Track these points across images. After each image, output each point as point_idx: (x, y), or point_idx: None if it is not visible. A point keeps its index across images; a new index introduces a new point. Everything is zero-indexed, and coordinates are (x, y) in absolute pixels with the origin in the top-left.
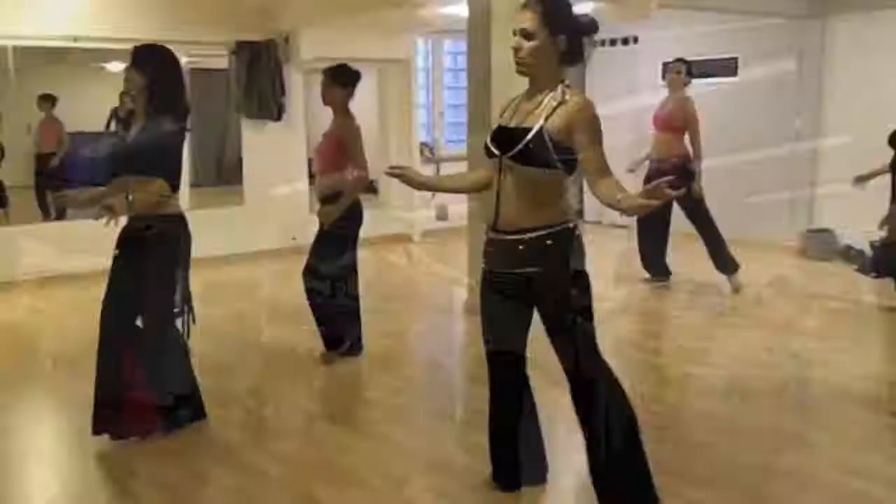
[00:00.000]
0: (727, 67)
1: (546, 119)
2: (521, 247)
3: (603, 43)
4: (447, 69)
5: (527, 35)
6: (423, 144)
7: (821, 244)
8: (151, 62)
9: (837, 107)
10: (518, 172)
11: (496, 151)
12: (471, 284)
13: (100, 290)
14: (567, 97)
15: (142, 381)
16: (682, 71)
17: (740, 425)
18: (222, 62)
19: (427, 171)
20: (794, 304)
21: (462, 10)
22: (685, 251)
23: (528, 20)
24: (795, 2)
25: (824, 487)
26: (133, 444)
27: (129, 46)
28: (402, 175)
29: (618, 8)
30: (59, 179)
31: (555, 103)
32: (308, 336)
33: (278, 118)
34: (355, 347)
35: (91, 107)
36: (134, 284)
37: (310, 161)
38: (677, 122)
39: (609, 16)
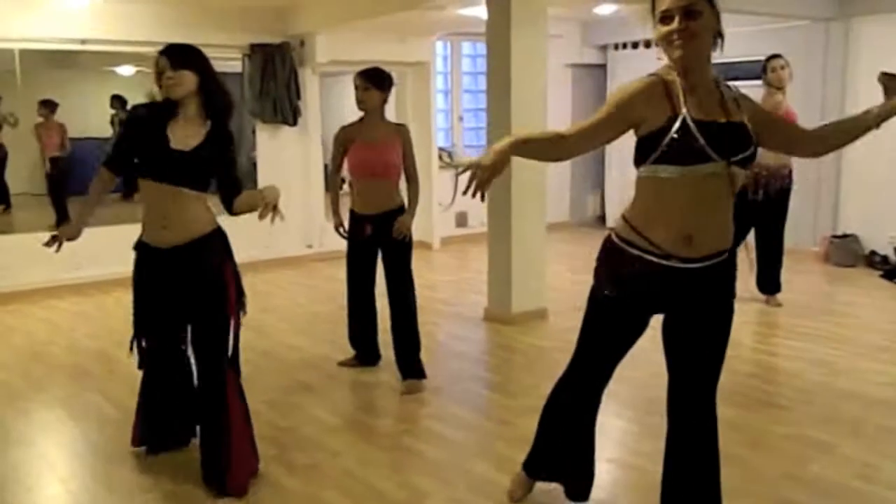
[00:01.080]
0: (752, 70)
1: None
2: (707, 274)
3: (625, 45)
4: (466, 72)
5: (692, 12)
6: (442, 150)
7: (845, 250)
8: (201, 60)
9: (862, 110)
10: (723, 180)
11: (715, 155)
12: (490, 292)
13: (109, 300)
14: (733, 90)
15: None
16: (786, 65)
17: (767, 435)
18: (235, 65)
19: (445, 177)
20: (819, 312)
21: (481, 12)
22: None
23: None
24: (821, 4)
25: (850, 497)
26: (146, 456)
27: (139, 49)
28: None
29: (639, 10)
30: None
31: (733, 96)
32: (325, 345)
33: (293, 123)
34: (373, 357)
35: (101, 112)
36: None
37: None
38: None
39: (632, 18)
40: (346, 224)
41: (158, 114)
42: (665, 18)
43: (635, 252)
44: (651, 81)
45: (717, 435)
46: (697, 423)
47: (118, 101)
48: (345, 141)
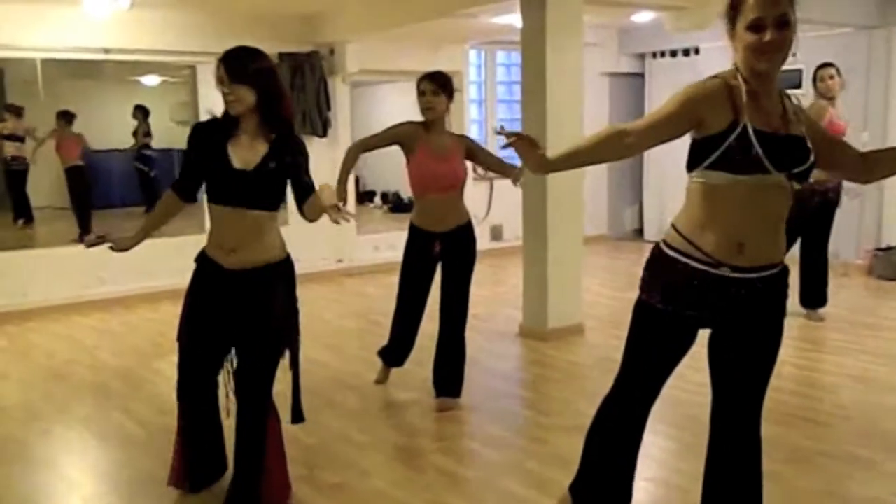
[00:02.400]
0: (791, 80)
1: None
2: (759, 285)
3: (663, 54)
4: (500, 82)
5: (785, 22)
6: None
7: (888, 263)
8: (261, 73)
9: None
10: (779, 193)
11: (771, 167)
12: (525, 307)
13: (133, 316)
14: (794, 101)
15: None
16: (836, 75)
17: (806, 451)
18: None
19: (479, 189)
20: (861, 326)
21: (516, 20)
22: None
23: (782, 2)
24: (863, 12)
25: None
26: (186, 494)
27: (164, 59)
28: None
29: (677, 17)
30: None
31: (794, 107)
32: (354, 362)
33: (323, 134)
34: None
35: (125, 123)
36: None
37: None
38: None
39: (668, 26)
40: (406, 239)
41: (219, 130)
42: (756, 27)
43: (684, 260)
44: (716, 84)
45: (761, 455)
46: (741, 441)
47: (140, 111)
48: (403, 138)
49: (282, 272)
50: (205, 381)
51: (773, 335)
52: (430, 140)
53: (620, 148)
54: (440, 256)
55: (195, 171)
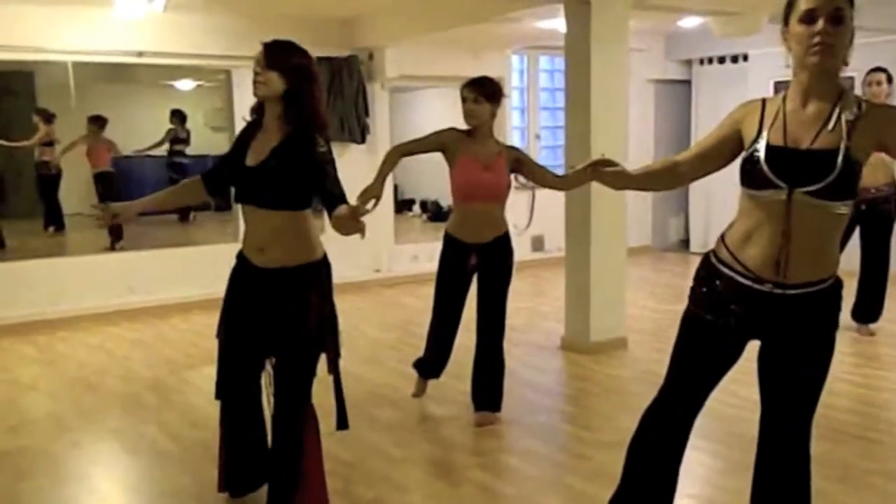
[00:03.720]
0: None
1: (849, 137)
2: (805, 301)
3: (710, 60)
4: (543, 88)
5: (839, 17)
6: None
7: None
8: (294, 63)
9: None
10: (809, 210)
11: (781, 183)
12: (567, 320)
13: (165, 326)
14: (863, 104)
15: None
16: (884, 81)
17: (855, 469)
18: None
19: (521, 199)
20: None
21: (559, 25)
22: None
23: (843, 0)
24: None
25: None
26: (228, 500)
27: (199, 63)
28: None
29: (726, 23)
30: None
31: (852, 116)
32: (391, 375)
33: (361, 141)
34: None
35: (159, 128)
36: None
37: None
38: None
39: (716, 31)
40: (442, 248)
41: (253, 125)
42: (809, 19)
43: (729, 273)
44: (754, 102)
45: (810, 473)
46: (789, 458)
47: (177, 116)
48: (448, 144)
49: (313, 274)
50: (244, 381)
51: (822, 350)
52: (473, 148)
53: (673, 178)
54: (476, 268)
55: (224, 166)
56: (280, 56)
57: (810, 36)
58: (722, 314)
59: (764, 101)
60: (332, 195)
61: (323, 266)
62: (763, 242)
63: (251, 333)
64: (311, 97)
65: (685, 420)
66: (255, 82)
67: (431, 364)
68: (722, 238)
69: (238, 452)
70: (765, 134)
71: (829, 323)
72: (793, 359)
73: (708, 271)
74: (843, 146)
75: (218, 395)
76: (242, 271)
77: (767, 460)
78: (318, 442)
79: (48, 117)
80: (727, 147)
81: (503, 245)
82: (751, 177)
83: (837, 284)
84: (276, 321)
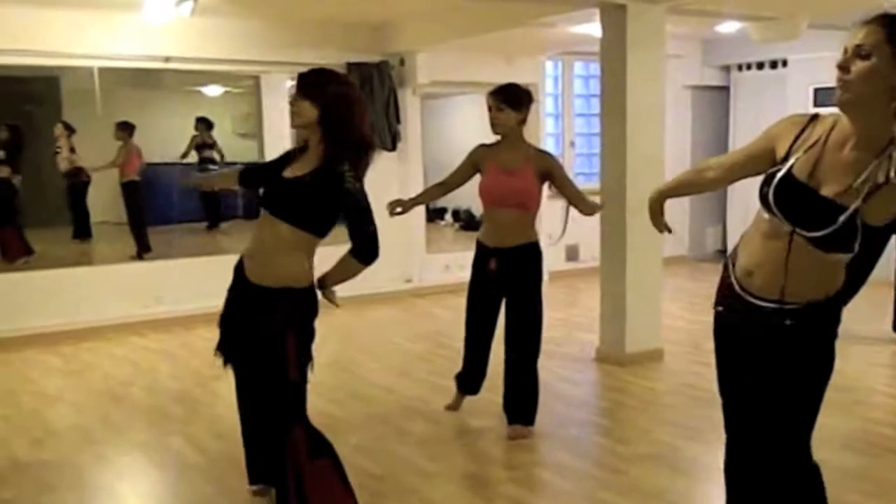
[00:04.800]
0: None
1: (866, 199)
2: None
3: (749, 66)
4: (578, 94)
5: (862, 56)
6: None
7: None
8: (324, 90)
9: None
10: (808, 252)
11: (782, 219)
12: (602, 331)
13: (192, 337)
14: None
15: None
16: None
17: (891, 484)
18: None
19: (555, 206)
20: None
21: (594, 30)
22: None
23: (867, 34)
24: None
25: None
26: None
27: (227, 68)
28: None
29: (764, 28)
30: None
31: (883, 178)
32: (422, 387)
33: (392, 148)
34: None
35: (186, 135)
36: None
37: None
38: None
39: (755, 36)
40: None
41: (301, 149)
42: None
43: (727, 273)
44: (799, 118)
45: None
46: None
47: (203, 123)
48: (476, 160)
49: (293, 306)
50: (245, 388)
51: (796, 369)
52: (500, 155)
53: (704, 185)
54: (498, 276)
55: (262, 169)
56: (312, 85)
57: (838, 69)
58: (721, 312)
59: (811, 119)
60: (355, 234)
61: (305, 296)
62: (749, 251)
63: (233, 338)
64: (345, 124)
65: (736, 437)
66: (290, 113)
67: (467, 378)
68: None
69: (255, 451)
70: (792, 160)
71: (805, 344)
72: (768, 370)
73: (723, 272)
74: (853, 205)
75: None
76: (236, 273)
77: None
78: (328, 467)
79: (70, 130)
80: (758, 164)
81: (526, 253)
82: (761, 197)
83: (822, 306)
84: (254, 351)
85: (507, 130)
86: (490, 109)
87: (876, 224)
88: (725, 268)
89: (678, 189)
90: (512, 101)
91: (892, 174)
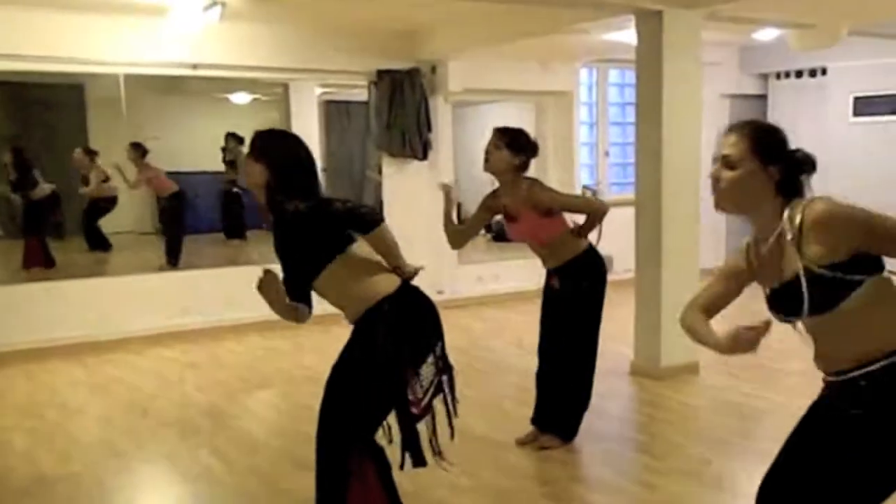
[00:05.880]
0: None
1: (801, 257)
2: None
3: (787, 74)
4: (613, 103)
5: (729, 164)
6: (585, 188)
7: None
8: (272, 151)
9: None
10: (833, 316)
11: (785, 318)
12: (637, 344)
13: (220, 349)
14: (796, 219)
15: None
16: None
17: None
18: (361, 94)
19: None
20: None
21: (630, 37)
22: None
23: (733, 145)
24: None
25: None
26: None
27: (256, 75)
28: None
29: (803, 35)
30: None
31: (791, 236)
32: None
33: (423, 157)
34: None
35: (213, 143)
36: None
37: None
38: None
39: (793, 43)
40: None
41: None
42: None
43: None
44: (741, 249)
45: None
46: None
47: (234, 139)
48: (489, 206)
49: (370, 321)
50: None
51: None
52: (502, 200)
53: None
54: (561, 292)
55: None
56: (256, 144)
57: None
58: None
59: (747, 246)
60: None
61: (377, 312)
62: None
63: None
64: (287, 187)
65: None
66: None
67: (536, 409)
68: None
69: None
70: (739, 267)
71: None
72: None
73: None
74: (799, 268)
75: None
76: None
77: None
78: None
79: (92, 155)
80: (736, 291)
81: (578, 266)
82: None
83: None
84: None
85: (498, 170)
86: (488, 144)
87: (840, 258)
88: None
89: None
90: (512, 143)
91: (795, 221)
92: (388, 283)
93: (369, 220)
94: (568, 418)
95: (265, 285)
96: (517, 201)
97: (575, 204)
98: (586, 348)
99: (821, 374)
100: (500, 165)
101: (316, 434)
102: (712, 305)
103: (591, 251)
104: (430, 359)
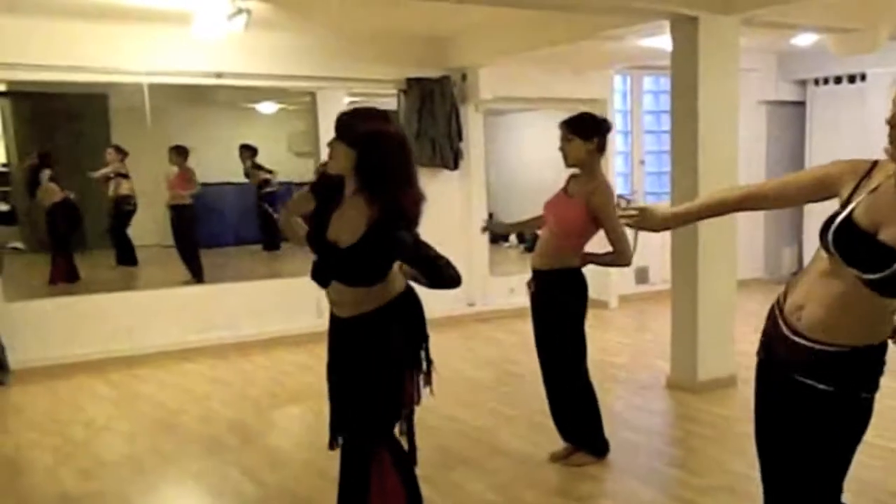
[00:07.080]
0: None
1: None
2: (813, 357)
3: (826, 80)
4: (647, 111)
5: None
6: (620, 197)
7: None
8: (358, 132)
9: None
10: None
11: (839, 258)
12: (673, 356)
13: (247, 364)
14: None
15: None
16: None
17: None
18: (390, 102)
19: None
20: None
21: (665, 43)
22: None
23: None
24: None
25: None
26: None
27: (282, 84)
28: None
29: (842, 40)
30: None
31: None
32: (487, 416)
33: (454, 167)
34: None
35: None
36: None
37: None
38: None
39: (833, 49)
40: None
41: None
42: None
43: (774, 316)
44: (860, 163)
45: None
46: None
47: (248, 150)
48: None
49: (376, 319)
50: None
51: (830, 420)
52: (571, 181)
53: (737, 209)
54: (535, 296)
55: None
56: (339, 125)
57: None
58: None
59: (873, 164)
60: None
61: (393, 306)
62: (814, 308)
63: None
64: (382, 172)
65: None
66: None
67: (557, 418)
68: (779, 306)
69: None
70: (853, 204)
71: (829, 386)
72: (788, 413)
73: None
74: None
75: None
76: (331, 323)
77: None
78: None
79: (122, 154)
80: (807, 197)
81: (553, 279)
82: (821, 238)
83: (850, 356)
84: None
85: (578, 161)
86: (560, 141)
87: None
88: (771, 311)
89: (701, 216)
90: (580, 130)
91: None
92: (400, 282)
93: (447, 282)
94: (585, 432)
95: (300, 198)
96: (584, 189)
97: (615, 231)
98: (564, 360)
99: None
100: (578, 155)
101: (331, 427)
102: (770, 192)
103: (577, 272)
104: (423, 353)
